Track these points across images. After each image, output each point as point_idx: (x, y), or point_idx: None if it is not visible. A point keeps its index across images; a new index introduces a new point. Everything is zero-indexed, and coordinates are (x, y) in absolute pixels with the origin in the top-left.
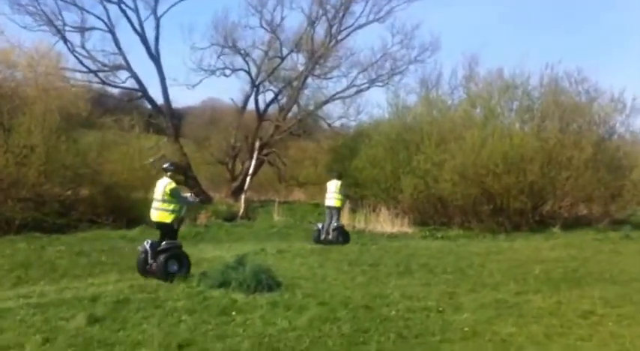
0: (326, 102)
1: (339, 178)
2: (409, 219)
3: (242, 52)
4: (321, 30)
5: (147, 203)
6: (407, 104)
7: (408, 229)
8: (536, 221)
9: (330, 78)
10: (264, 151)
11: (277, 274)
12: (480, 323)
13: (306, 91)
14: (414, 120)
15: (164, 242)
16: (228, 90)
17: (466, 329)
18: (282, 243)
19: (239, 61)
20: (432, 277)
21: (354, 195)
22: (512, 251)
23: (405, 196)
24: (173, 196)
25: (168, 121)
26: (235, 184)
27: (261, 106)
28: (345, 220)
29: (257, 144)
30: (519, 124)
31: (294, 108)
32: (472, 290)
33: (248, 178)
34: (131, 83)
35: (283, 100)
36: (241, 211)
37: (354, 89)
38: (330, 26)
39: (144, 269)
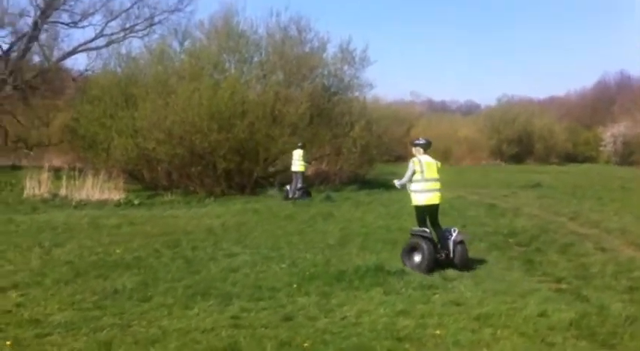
0: (63, 57)
1: (302, 147)
2: (125, 184)
3: None
4: None
5: None
6: (132, 55)
7: (116, 195)
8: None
9: (82, 27)
10: None
11: None
12: None
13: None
14: (141, 73)
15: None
16: None
17: None
18: None
19: None
20: None
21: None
22: (156, 222)
23: (117, 158)
24: None
25: None
26: None
27: None
28: (45, 187)
29: None
30: (242, 77)
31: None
32: None
33: None
34: None
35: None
36: None
37: (105, 40)
38: None
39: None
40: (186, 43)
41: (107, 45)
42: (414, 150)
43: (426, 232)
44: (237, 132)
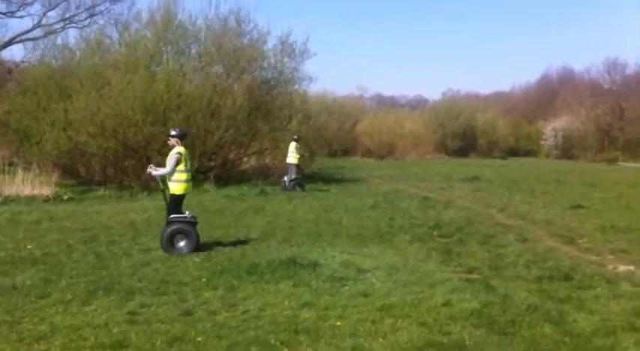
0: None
1: (296, 141)
2: (60, 179)
3: None
4: None
5: None
6: (68, 46)
7: (47, 191)
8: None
9: (20, 17)
10: None
11: None
12: None
13: None
14: (77, 64)
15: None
16: None
17: None
18: None
19: None
20: None
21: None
22: (78, 217)
23: (48, 152)
24: None
25: None
26: None
27: None
28: None
29: None
30: (180, 69)
31: None
32: None
33: None
34: None
35: None
36: None
37: (42, 30)
38: None
39: None
40: (125, 35)
41: (45, 36)
42: (171, 141)
43: (188, 217)
44: (173, 125)
